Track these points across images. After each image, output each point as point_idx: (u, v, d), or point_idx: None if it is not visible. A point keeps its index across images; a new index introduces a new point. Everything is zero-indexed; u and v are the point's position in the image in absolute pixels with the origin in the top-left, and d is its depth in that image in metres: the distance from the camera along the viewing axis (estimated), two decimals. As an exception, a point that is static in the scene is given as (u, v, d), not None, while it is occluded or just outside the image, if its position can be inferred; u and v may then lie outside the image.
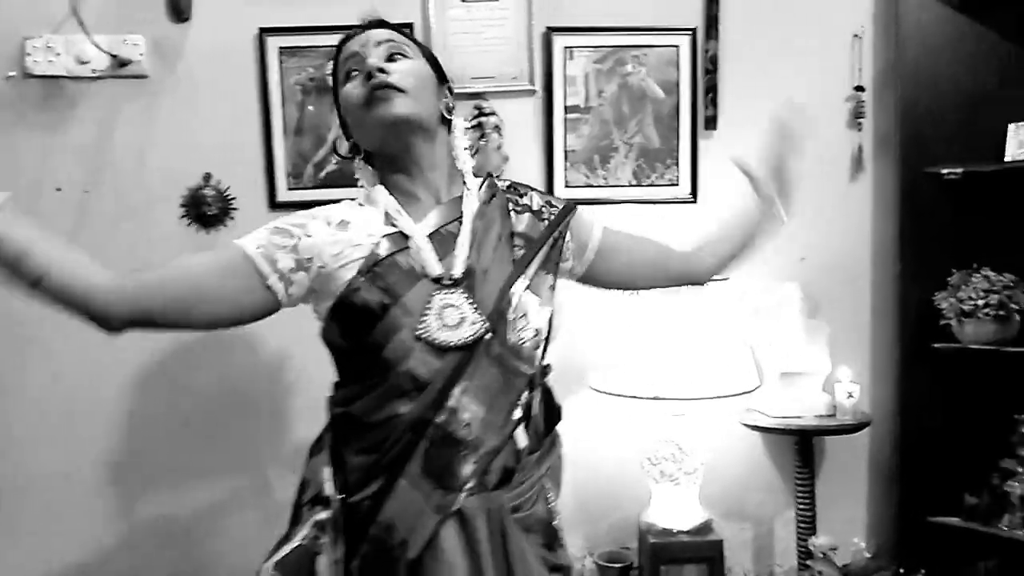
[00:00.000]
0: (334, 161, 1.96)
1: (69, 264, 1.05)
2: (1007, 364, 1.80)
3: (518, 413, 1.12)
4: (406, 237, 1.14)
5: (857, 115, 1.99)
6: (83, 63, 1.92)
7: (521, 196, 1.25)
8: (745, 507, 2.04)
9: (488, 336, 1.10)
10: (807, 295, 1.97)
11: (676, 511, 1.79)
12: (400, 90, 1.14)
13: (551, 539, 1.18)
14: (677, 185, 1.99)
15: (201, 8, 1.93)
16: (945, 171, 1.87)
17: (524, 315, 1.13)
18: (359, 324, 1.11)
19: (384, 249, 1.13)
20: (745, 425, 1.90)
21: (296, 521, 1.15)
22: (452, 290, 1.11)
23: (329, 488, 1.10)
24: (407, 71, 1.16)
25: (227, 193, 1.97)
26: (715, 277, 1.39)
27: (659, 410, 1.79)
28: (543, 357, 1.19)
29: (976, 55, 1.89)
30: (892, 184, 1.96)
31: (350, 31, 1.25)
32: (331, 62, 1.28)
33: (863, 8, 1.99)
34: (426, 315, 1.09)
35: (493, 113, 1.97)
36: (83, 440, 1.98)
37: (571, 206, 1.28)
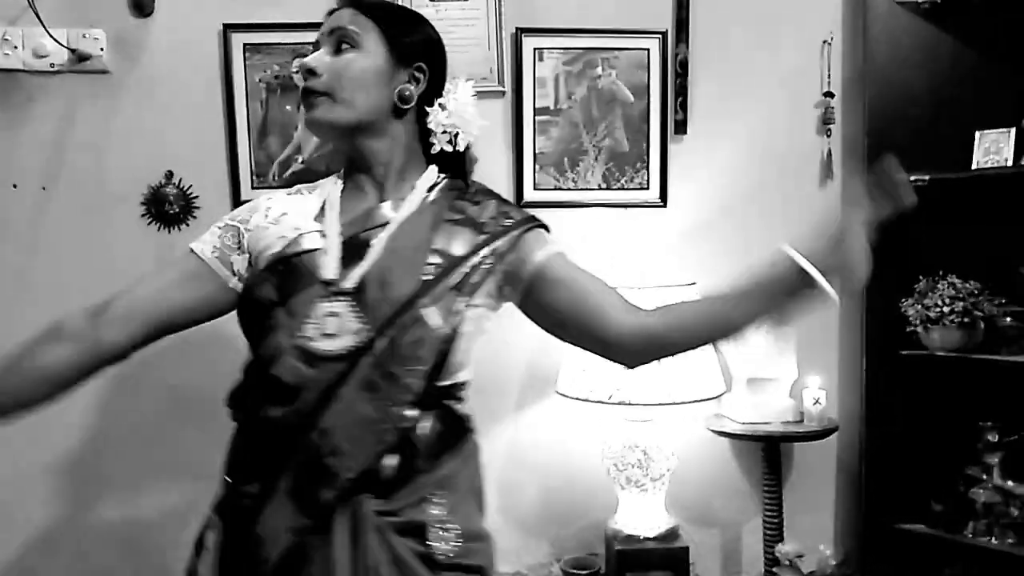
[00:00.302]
0: (300, 160, 1.93)
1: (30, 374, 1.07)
2: (973, 371, 1.81)
3: (391, 438, 1.03)
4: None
5: (826, 121, 1.99)
6: (41, 57, 1.87)
7: (474, 204, 1.16)
8: (713, 513, 2.03)
9: (369, 351, 1.02)
10: (776, 301, 1.96)
11: (643, 517, 1.77)
12: (325, 94, 1.10)
13: (441, 539, 1.06)
14: (647, 189, 1.98)
15: (164, 3, 1.89)
16: (912, 178, 1.86)
17: (419, 339, 1.04)
18: (250, 318, 1.09)
19: (297, 247, 1.10)
20: (712, 431, 1.89)
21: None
22: (341, 299, 1.05)
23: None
24: (339, 70, 1.10)
25: (189, 192, 1.93)
26: (660, 359, 1.14)
27: (625, 415, 1.78)
28: (445, 378, 1.09)
29: (943, 62, 1.90)
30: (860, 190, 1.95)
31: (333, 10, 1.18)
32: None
33: (832, 15, 1.99)
34: (306, 320, 1.05)
35: (462, 114, 1.94)
36: (40, 442, 1.93)
37: (521, 223, 1.15)
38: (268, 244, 1.12)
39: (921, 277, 1.85)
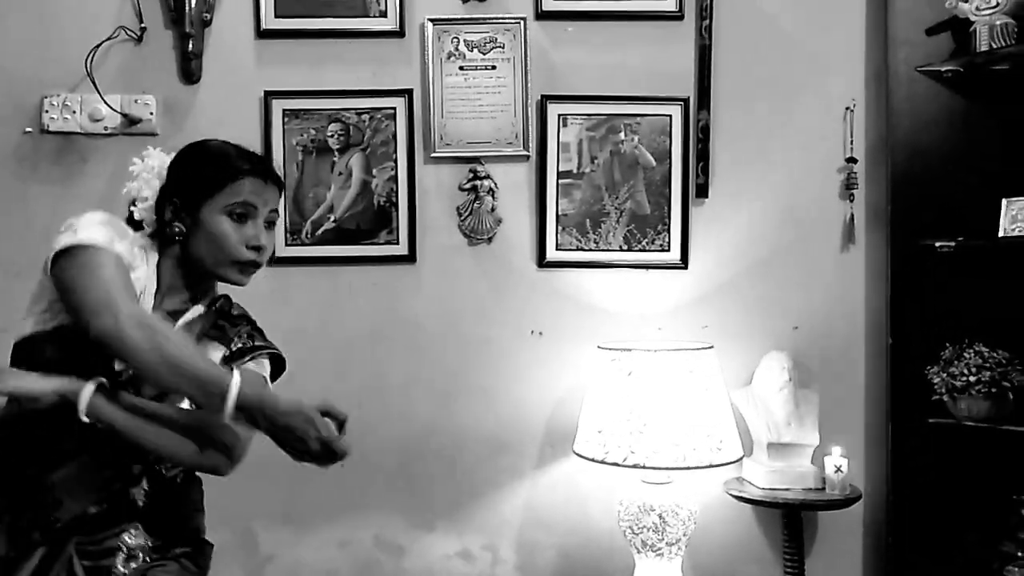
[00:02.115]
0: (332, 219, 2.01)
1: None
2: (1003, 442, 1.76)
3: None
4: None
5: (849, 186, 2.00)
6: (96, 120, 2.01)
7: (233, 326, 1.32)
8: (734, 581, 1.99)
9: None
10: (799, 364, 1.95)
11: (658, 583, 1.75)
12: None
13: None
14: (668, 251, 2.01)
15: (210, 71, 2.02)
16: (938, 244, 1.86)
17: None
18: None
19: None
20: (732, 495, 1.87)
21: None
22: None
23: None
24: (269, 249, 1.28)
25: (226, 248, 2.02)
26: None
27: (641, 477, 1.77)
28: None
29: (967, 129, 1.90)
30: (884, 255, 1.95)
31: (249, 164, 1.28)
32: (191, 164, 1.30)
33: (855, 82, 2.02)
34: None
35: (487, 176, 2.01)
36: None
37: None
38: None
39: (948, 344, 1.82)
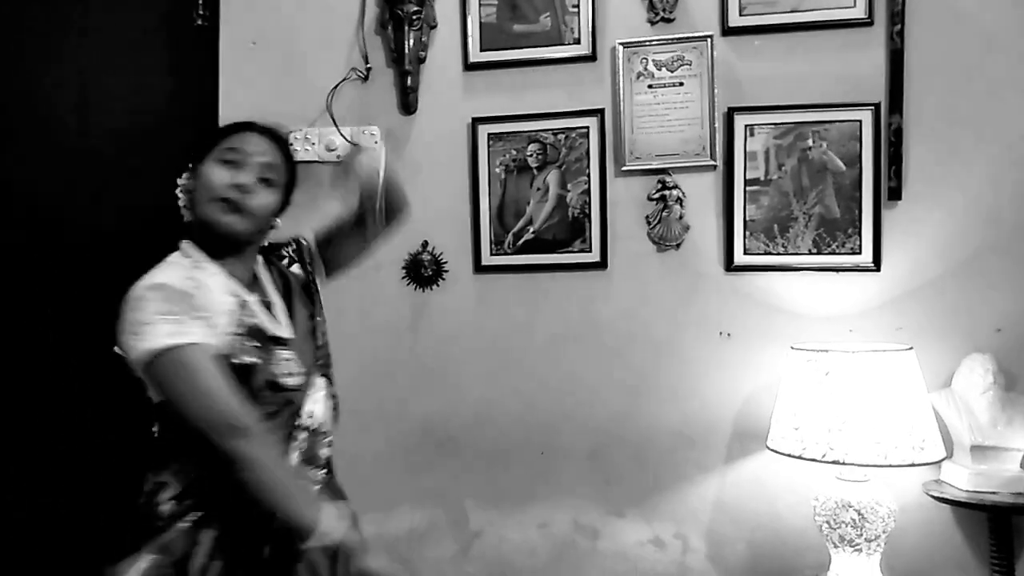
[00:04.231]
0: (531, 231, 2.21)
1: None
2: None
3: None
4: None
5: (1058, 184, 1.94)
6: (331, 151, 2.33)
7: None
8: (935, 584, 1.98)
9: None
10: (1003, 367, 1.92)
11: (855, 578, 1.79)
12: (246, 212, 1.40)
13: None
14: (859, 254, 2.03)
15: (425, 103, 2.28)
16: None
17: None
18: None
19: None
20: (932, 496, 1.87)
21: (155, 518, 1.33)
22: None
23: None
24: (259, 197, 1.42)
25: (441, 257, 2.27)
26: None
27: (837, 474, 1.82)
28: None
29: None
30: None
31: (240, 123, 1.48)
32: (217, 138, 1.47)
33: (1064, 76, 1.95)
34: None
35: (675, 186, 2.13)
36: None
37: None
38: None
39: None
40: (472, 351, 2.25)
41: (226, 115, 2.38)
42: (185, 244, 1.44)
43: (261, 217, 1.43)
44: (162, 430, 1.38)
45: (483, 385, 2.24)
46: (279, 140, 1.51)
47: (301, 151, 2.35)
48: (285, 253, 1.61)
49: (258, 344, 1.38)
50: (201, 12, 2.29)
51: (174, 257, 1.42)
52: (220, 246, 1.42)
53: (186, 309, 1.30)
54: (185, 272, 1.36)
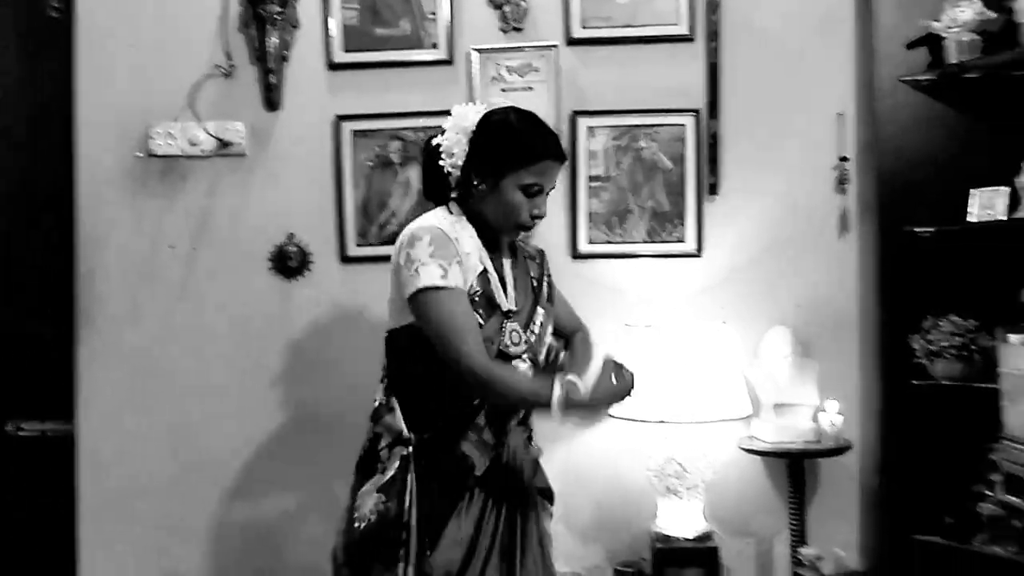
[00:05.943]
0: (395, 224, 2.34)
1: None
2: (974, 398, 2.05)
3: None
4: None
5: (842, 181, 2.30)
6: (194, 145, 2.36)
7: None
8: (748, 525, 2.31)
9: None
10: (801, 337, 2.26)
11: (680, 522, 2.08)
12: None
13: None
14: (684, 242, 2.32)
15: (289, 100, 2.37)
16: (919, 230, 2.15)
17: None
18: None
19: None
20: (743, 449, 2.19)
21: (372, 465, 1.54)
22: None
23: (405, 431, 1.54)
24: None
25: (306, 249, 2.37)
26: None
27: (664, 433, 2.09)
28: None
29: (943, 130, 2.18)
30: (874, 241, 2.25)
31: (546, 147, 1.57)
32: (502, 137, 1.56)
33: (844, 92, 2.31)
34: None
35: (527, 182, 2.34)
36: (190, 445, 2.37)
37: (542, 253, 1.76)
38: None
39: (928, 316, 2.11)
40: (340, 338, 2.36)
41: (84, 109, 2.37)
42: (453, 204, 1.58)
43: None
44: (388, 365, 1.60)
45: (352, 370, 2.35)
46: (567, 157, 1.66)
47: (164, 145, 2.37)
48: (530, 251, 1.74)
49: (483, 310, 1.52)
50: (55, 4, 2.25)
51: (441, 211, 1.58)
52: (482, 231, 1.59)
53: (452, 254, 1.50)
54: (451, 224, 1.54)
